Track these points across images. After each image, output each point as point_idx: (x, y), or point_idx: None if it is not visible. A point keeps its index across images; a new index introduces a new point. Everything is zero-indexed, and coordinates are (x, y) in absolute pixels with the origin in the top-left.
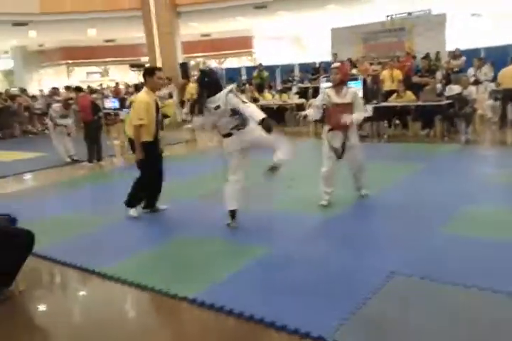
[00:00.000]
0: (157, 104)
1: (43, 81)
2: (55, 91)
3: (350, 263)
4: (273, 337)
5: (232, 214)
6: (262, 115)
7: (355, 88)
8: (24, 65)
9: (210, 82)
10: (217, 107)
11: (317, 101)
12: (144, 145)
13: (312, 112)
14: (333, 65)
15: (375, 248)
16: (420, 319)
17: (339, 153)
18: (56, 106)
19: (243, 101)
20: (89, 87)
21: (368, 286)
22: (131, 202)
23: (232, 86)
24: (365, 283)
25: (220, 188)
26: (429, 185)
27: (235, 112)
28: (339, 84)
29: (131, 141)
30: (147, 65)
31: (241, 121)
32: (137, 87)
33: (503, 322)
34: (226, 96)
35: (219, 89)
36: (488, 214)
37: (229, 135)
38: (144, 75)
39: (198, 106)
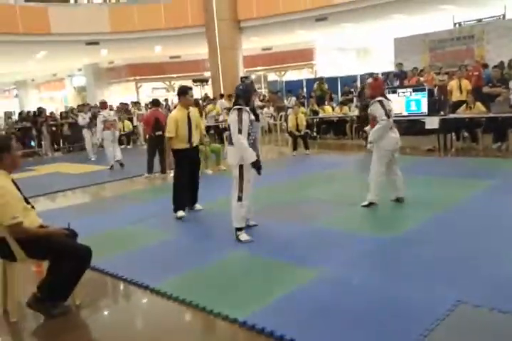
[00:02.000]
0: (189, 118)
1: (113, 97)
2: (123, 106)
3: (413, 289)
4: None
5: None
6: (251, 158)
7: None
8: (95, 81)
9: (239, 93)
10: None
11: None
12: (177, 152)
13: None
14: (367, 81)
15: (440, 273)
16: None
17: None
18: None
19: (239, 130)
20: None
21: (431, 316)
22: (176, 206)
23: (240, 107)
24: (429, 312)
25: (282, 202)
26: (501, 204)
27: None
28: (370, 99)
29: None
30: (210, 80)
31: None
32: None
33: None
34: (232, 111)
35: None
36: None
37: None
38: (179, 94)
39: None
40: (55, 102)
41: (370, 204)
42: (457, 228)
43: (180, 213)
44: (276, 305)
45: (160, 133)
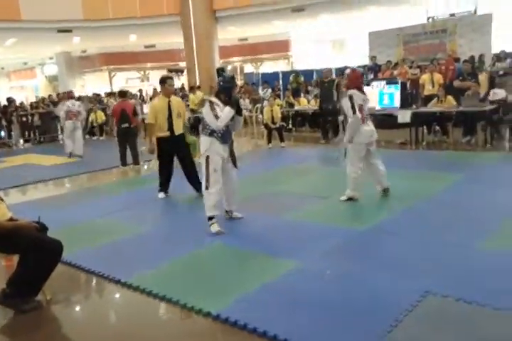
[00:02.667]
0: (170, 107)
1: (86, 86)
2: (96, 97)
3: (382, 281)
4: None
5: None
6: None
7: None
8: (68, 70)
9: (220, 88)
10: None
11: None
12: (158, 140)
13: None
14: (346, 72)
15: (408, 265)
16: None
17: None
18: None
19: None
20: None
21: (399, 307)
22: (159, 187)
23: (209, 97)
24: (396, 304)
25: (257, 195)
26: (469, 196)
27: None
28: (346, 89)
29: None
30: (182, 69)
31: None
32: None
33: None
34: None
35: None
36: None
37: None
38: (160, 83)
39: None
40: (26, 91)
41: (349, 199)
42: (428, 220)
43: (160, 195)
44: (250, 298)
45: (126, 125)
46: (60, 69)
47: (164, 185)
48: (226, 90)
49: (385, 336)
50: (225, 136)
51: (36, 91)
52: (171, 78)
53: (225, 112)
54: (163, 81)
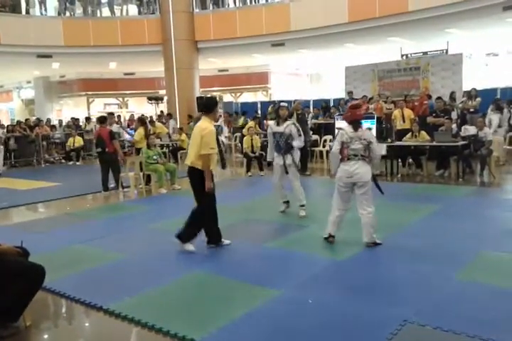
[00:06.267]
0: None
1: (63, 111)
2: (74, 121)
3: (362, 310)
4: None
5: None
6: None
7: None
8: (45, 94)
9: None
10: None
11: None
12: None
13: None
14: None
15: (387, 294)
16: None
17: None
18: None
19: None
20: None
21: (379, 336)
22: (189, 236)
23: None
24: (377, 332)
25: (237, 223)
26: (444, 228)
27: None
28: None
29: (192, 173)
30: (165, 98)
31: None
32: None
33: None
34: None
35: None
36: (507, 261)
37: None
38: (213, 106)
39: None
40: (1, 114)
41: (330, 237)
42: (403, 250)
43: (191, 246)
44: (233, 326)
45: (99, 150)
46: (37, 94)
47: (215, 234)
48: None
49: None
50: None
51: (12, 114)
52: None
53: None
54: (216, 104)
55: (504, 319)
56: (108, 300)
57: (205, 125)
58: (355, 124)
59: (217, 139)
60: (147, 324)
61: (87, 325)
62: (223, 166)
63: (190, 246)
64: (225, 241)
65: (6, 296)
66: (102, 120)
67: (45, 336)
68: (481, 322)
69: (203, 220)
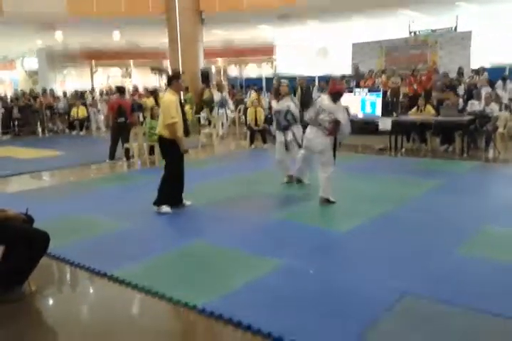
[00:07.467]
0: (181, 104)
1: (67, 82)
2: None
3: (362, 280)
4: None
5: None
6: None
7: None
8: (48, 65)
9: None
10: None
11: None
12: (173, 142)
13: None
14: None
15: (388, 265)
16: None
17: None
18: None
19: None
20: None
21: (378, 306)
22: (162, 200)
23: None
24: (375, 303)
25: (239, 195)
26: (447, 202)
27: None
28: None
29: (161, 141)
30: (169, 70)
31: None
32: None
33: None
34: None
35: None
36: (508, 235)
37: None
38: (171, 78)
39: None
40: (5, 85)
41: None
42: (405, 223)
43: (167, 208)
44: (235, 294)
45: (123, 119)
46: (40, 64)
47: (175, 198)
48: None
49: (363, 334)
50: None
51: (15, 85)
52: (183, 74)
53: None
54: (178, 76)
55: (504, 292)
56: (111, 267)
57: (166, 97)
58: (334, 97)
59: (182, 109)
60: (150, 290)
61: (91, 290)
62: (186, 134)
63: (166, 208)
64: (187, 202)
65: (12, 261)
66: (122, 90)
67: (50, 301)
68: (481, 295)
69: (169, 183)
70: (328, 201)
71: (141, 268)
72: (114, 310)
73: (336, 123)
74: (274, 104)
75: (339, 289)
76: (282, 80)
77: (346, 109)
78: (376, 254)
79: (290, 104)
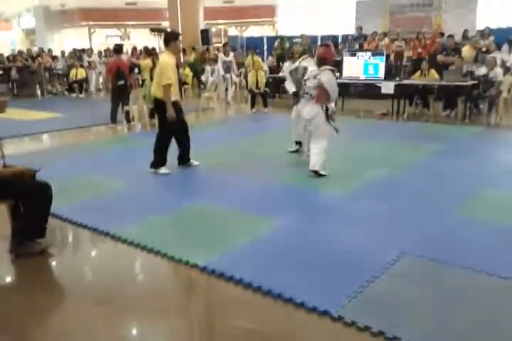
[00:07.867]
0: (177, 66)
1: (64, 42)
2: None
3: (362, 241)
4: (280, 309)
5: None
6: None
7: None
8: (46, 24)
9: None
10: None
11: None
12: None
13: None
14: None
15: (387, 227)
16: (425, 300)
17: None
18: None
19: None
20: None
21: (377, 265)
22: (159, 162)
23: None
24: (374, 262)
25: (239, 158)
26: (447, 166)
27: None
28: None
29: (156, 103)
30: (168, 30)
31: None
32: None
33: (506, 309)
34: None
35: None
36: (507, 199)
37: None
38: (168, 40)
39: None
40: (1, 45)
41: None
42: (405, 187)
43: (165, 169)
44: (236, 252)
45: (122, 82)
46: (37, 23)
47: (163, 159)
48: None
49: (362, 290)
50: None
51: (12, 44)
52: (180, 34)
53: None
54: (176, 37)
55: (501, 252)
56: (113, 226)
57: (163, 58)
58: (320, 61)
59: (178, 71)
60: (153, 249)
61: (94, 250)
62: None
63: (164, 170)
64: (194, 163)
65: (30, 214)
66: (118, 49)
67: (55, 260)
68: (478, 255)
69: (161, 145)
70: (317, 173)
71: (142, 228)
72: (118, 268)
73: (321, 89)
74: (288, 65)
75: (338, 249)
76: (296, 40)
77: (332, 70)
78: (375, 216)
79: (309, 61)
